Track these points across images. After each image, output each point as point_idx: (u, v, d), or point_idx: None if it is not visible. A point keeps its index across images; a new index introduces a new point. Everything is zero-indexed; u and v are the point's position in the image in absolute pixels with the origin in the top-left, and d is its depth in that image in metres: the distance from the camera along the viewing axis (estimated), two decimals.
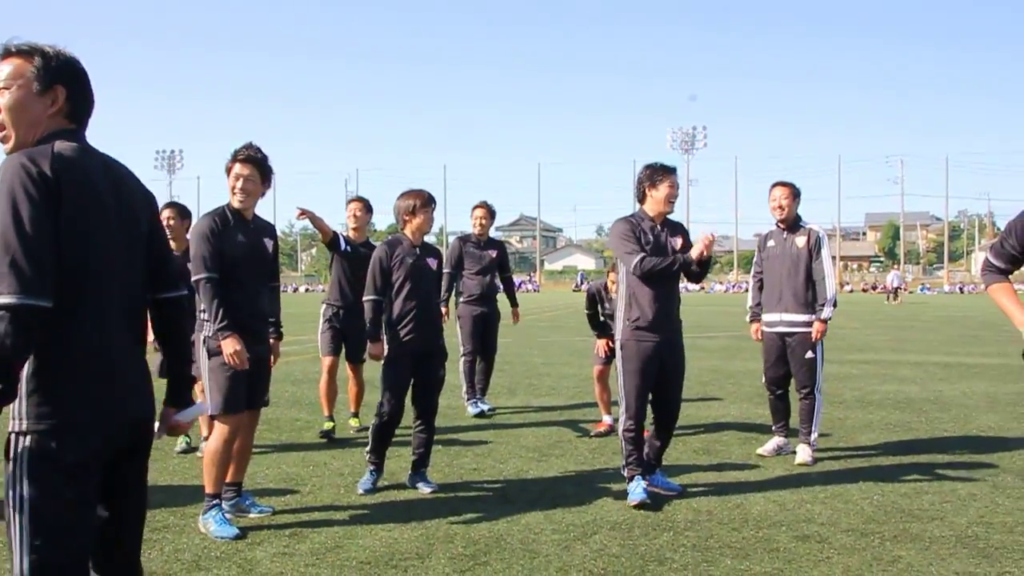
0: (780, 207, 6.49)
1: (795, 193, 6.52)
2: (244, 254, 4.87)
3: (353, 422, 7.72)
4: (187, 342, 2.81)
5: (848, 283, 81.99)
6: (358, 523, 4.88)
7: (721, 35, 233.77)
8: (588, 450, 6.89)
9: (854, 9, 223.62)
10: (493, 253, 8.65)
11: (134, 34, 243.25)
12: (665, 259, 5.35)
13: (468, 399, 8.58)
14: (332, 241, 7.20)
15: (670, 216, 5.65)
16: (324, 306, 7.58)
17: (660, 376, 5.48)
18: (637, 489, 5.28)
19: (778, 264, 6.49)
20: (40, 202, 2.22)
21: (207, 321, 4.76)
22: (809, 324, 6.35)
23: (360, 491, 5.53)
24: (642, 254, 5.36)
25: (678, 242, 5.54)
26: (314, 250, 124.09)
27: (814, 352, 6.39)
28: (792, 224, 6.50)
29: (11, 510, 2.25)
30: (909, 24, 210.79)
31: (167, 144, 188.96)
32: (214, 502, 4.71)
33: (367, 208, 7.54)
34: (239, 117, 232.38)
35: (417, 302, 5.60)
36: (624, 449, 5.45)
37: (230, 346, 4.68)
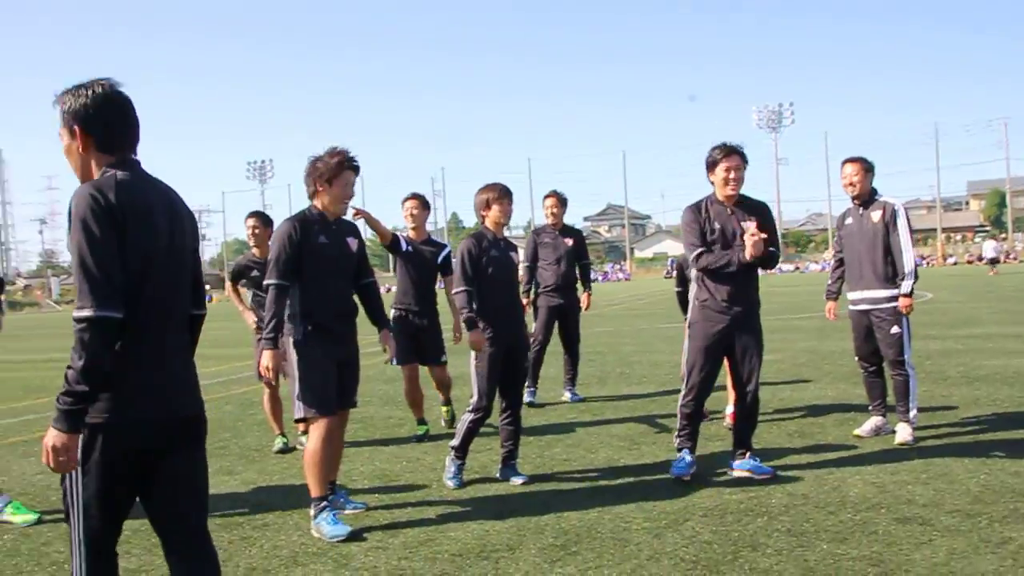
0: (851, 184, 6.36)
1: (867, 168, 6.35)
2: (328, 255, 4.92)
3: (444, 411, 7.73)
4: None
5: (952, 255, 78.94)
6: (450, 517, 4.94)
7: (803, 9, 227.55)
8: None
9: None
10: (569, 241, 8.61)
11: (224, 39, 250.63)
12: (721, 258, 5.41)
13: (528, 388, 8.45)
14: (392, 243, 7.03)
15: (748, 195, 5.59)
16: (393, 310, 7.24)
17: (734, 356, 5.54)
18: (681, 463, 5.49)
19: (856, 241, 6.39)
20: (107, 226, 2.52)
21: (297, 325, 4.82)
22: (892, 299, 6.21)
23: (452, 486, 5.58)
24: (700, 250, 5.46)
25: (751, 225, 5.41)
26: None
27: (900, 327, 6.21)
28: (867, 199, 6.36)
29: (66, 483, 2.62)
30: None
31: (258, 155, 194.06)
32: (322, 504, 4.75)
33: (424, 205, 7.32)
34: (326, 123, 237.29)
35: (503, 295, 5.65)
36: (679, 422, 5.65)
37: (266, 359, 4.90)
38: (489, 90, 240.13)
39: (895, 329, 6.22)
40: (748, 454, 5.56)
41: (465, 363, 5.77)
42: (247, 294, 7.44)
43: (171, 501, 2.74)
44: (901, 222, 6.21)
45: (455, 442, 5.71)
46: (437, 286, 7.38)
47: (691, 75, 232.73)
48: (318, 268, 4.87)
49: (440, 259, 7.20)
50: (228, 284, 7.54)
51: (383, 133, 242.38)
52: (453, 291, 5.81)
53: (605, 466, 5.98)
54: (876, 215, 6.28)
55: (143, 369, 2.62)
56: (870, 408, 6.56)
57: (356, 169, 4.99)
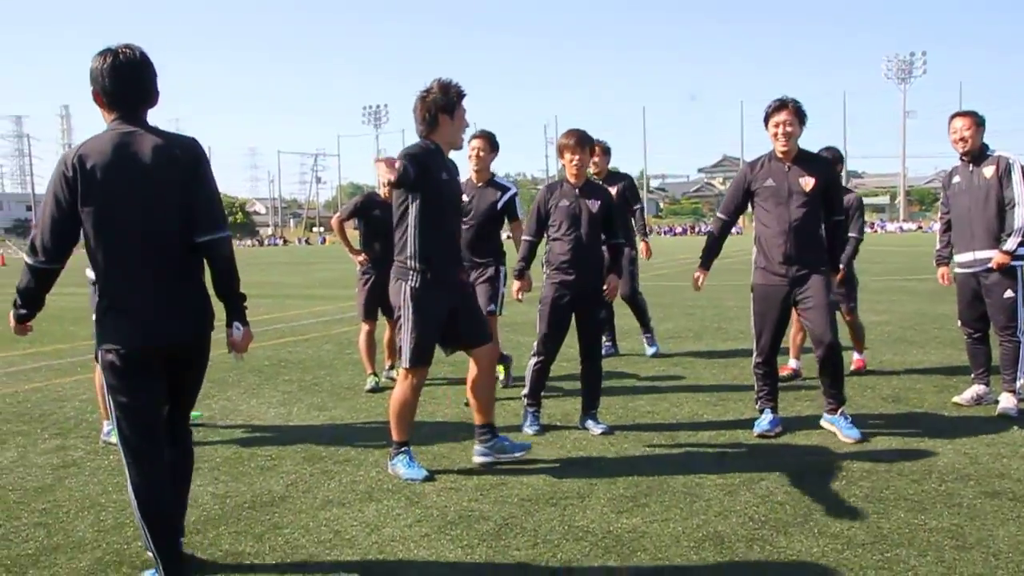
0: (963, 139, 5.96)
1: (978, 122, 5.98)
2: (450, 193, 4.83)
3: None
4: (229, 273, 3.36)
5: None
6: (525, 462, 4.98)
7: None
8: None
9: None
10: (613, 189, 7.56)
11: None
12: (708, 241, 5.82)
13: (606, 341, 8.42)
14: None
15: (809, 151, 5.57)
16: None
17: (801, 314, 5.46)
18: (763, 421, 5.50)
19: (966, 199, 6.02)
20: (60, 189, 3.12)
21: (412, 271, 4.73)
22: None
23: (530, 432, 5.63)
24: (718, 215, 5.86)
25: (809, 182, 5.34)
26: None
27: (1014, 291, 5.85)
28: (978, 156, 5.98)
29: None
30: None
31: (373, 100, 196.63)
32: (401, 449, 4.81)
33: (492, 145, 6.64)
34: (438, 69, 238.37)
35: (573, 243, 5.60)
36: (755, 384, 5.67)
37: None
38: (605, 37, 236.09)
39: (1008, 293, 5.86)
40: (839, 410, 5.44)
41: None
42: (355, 234, 7.56)
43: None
44: (1016, 175, 5.81)
45: (525, 389, 5.81)
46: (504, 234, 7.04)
47: (819, 25, 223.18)
48: (440, 207, 4.74)
49: (501, 204, 6.61)
50: (335, 220, 7.39)
51: (496, 77, 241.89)
52: (522, 238, 5.96)
53: (688, 421, 5.92)
54: (989, 171, 5.90)
55: (115, 306, 3.19)
56: (972, 376, 6.26)
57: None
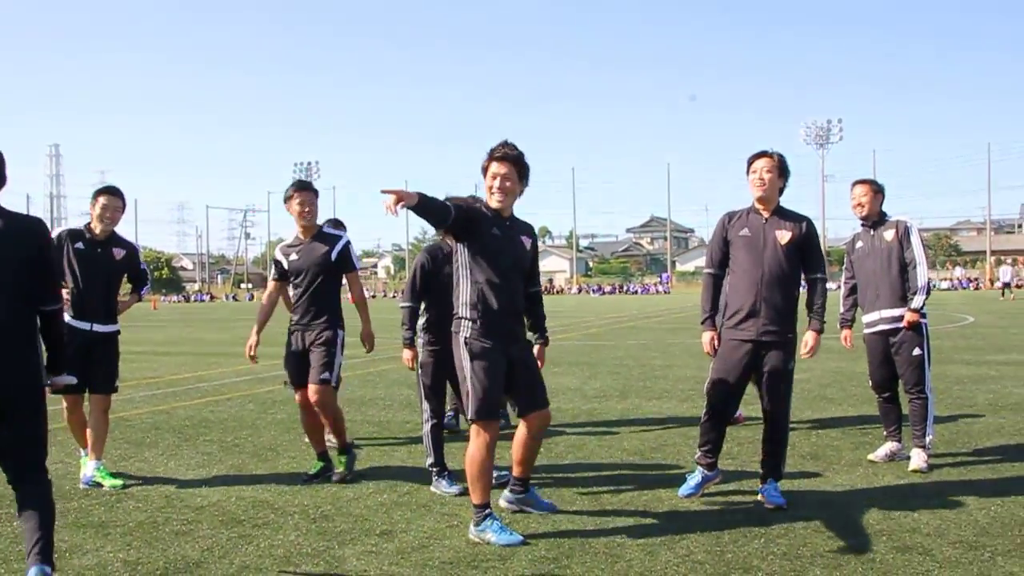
0: (860, 204, 6.30)
1: (876, 189, 6.33)
2: (503, 248, 4.77)
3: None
4: (56, 337, 3.87)
5: (999, 279, 77.16)
6: (447, 524, 4.94)
7: (851, 26, 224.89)
8: (691, 454, 6.74)
9: None
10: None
11: (269, 50, 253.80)
12: (704, 298, 5.52)
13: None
14: None
15: (783, 205, 5.41)
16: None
17: (758, 379, 5.37)
18: (690, 483, 5.48)
19: (869, 262, 6.29)
20: None
21: (466, 320, 4.73)
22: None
23: (453, 492, 5.58)
24: (706, 271, 5.59)
25: (785, 235, 5.25)
26: None
27: (921, 349, 6.10)
28: (877, 221, 6.31)
29: None
30: None
31: (304, 156, 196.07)
32: (485, 512, 4.65)
33: (315, 194, 6.15)
34: (370, 126, 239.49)
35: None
36: (699, 438, 5.58)
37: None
38: (531, 94, 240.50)
39: (916, 351, 6.09)
40: (770, 480, 5.34)
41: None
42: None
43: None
44: (915, 238, 6.16)
45: (431, 458, 5.88)
46: None
47: (737, 88, 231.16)
48: (490, 259, 4.73)
49: (335, 255, 6.06)
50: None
51: (424, 132, 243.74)
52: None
53: (609, 480, 5.95)
54: (889, 234, 6.21)
55: None
56: (885, 434, 6.44)
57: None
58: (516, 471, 5.06)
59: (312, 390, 5.84)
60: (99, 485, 5.91)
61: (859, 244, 6.43)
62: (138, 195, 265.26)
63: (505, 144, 4.79)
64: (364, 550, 4.49)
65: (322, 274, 5.95)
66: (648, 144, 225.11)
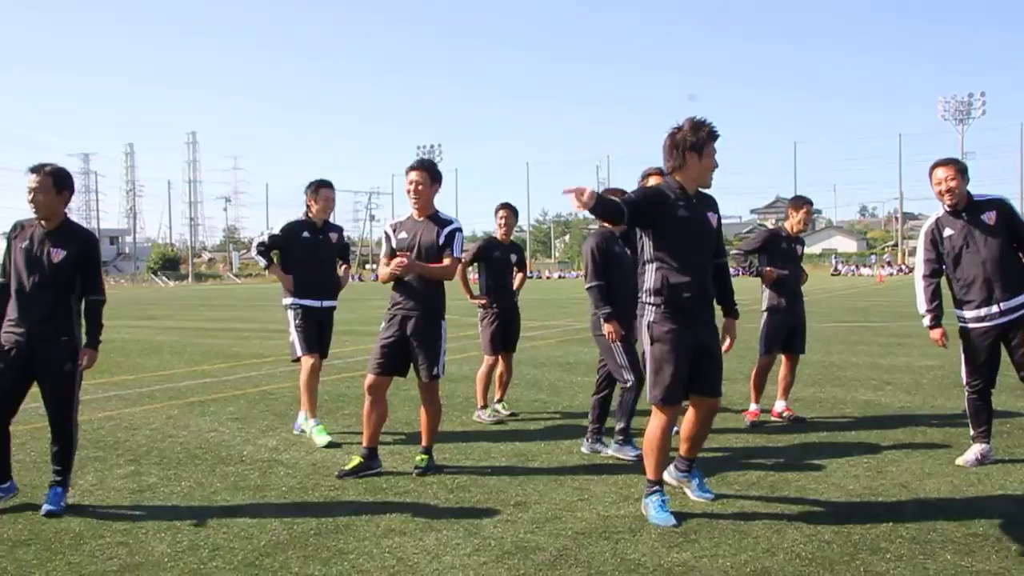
0: (949, 191, 5.67)
1: (961, 170, 5.71)
2: (689, 229, 4.76)
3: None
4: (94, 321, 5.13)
5: None
6: (578, 496, 5.15)
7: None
8: (818, 437, 6.75)
9: None
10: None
11: (403, 30, 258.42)
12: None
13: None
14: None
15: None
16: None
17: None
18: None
19: (970, 252, 5.68)
20: None
21: (649, 305, 4.77)
22: None
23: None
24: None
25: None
26: (567, 237, 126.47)
27: None
28: (968, 204, 5.72)
29: None
30: None
31: (426, 139, 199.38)
32: (655, 488, 4.79)
33: (433, 177, 5.90)
34: (496, 116, 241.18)
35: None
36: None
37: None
38: (655, 73, 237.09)
39: None
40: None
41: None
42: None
43: None
44: (1021, 215, 5.73)
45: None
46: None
47: (874, 64, 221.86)
48: (677, 241, 4.73)
49: (443, 238, 5.89)
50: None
51: (548, 122, 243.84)
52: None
53: (740, 458, 6.04)
54: (989, 216, 5.65)
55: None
56: (974, 435, 5.93)
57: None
58: (682, 448, 5.10)
59: (422, 387, 5.83)
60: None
61: (948, 232, 5.78)
62: (269, 179, 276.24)
63: (707, 122, 4.73)
64: (501, 518, 4.75)
65: (428, 256, 5.77)
66: (776, 126, 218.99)
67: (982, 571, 3.90)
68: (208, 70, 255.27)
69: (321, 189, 7.06)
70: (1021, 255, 5.73)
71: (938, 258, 5.89)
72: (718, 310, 5.01)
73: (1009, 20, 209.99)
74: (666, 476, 5.09)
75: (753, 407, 7.46)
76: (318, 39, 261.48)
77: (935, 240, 5.88)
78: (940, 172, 5.75)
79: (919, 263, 5.98)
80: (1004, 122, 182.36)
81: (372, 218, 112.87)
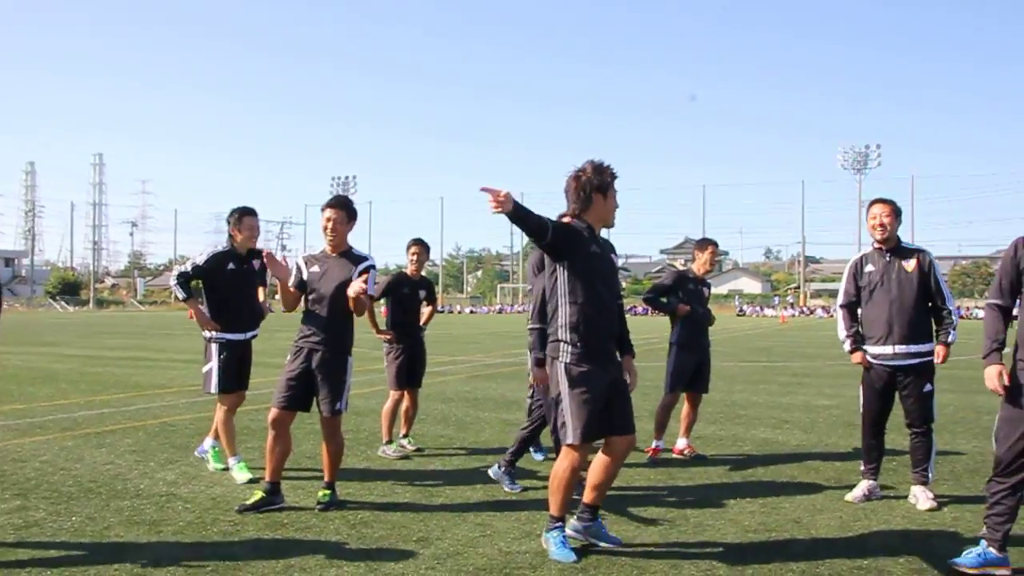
0: (882, 225, 5.95)
1: (896, 211, 6.01)
2: (601, 268, 4.84)
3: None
4: None
5: None
6: (481, 532, 5.17)
7: (893, 50, 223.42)
8: (718, 475, 6.93)
9: None
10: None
11: (317, 61, 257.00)
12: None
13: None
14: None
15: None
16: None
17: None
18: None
19: (883, 291, 5.94)
20: None
21: (565, 343, 4.74)
22: (928, 354, 5.93)
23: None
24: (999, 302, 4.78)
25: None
26: (480, 272, 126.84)
27: (931, 384, 5.98)
28: (895, 246, 6.02)
29: None
30: None
31: (343, 170, 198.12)
32: (556, 524, 4.80)
33: (349, 215, 5.96)
34: (409, 146, 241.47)
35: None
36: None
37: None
38: (570, 110, 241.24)
39: (928, 386, 5.95)
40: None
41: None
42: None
43: None
44: (939, 270, 6.00)
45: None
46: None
47: (778, 109, 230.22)
48: (590, 279, 4.77)
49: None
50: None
51: (467, 150, 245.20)
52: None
53: (640, 495, 6.14)
54: (910, 263, 5.93)
55: None
56: (863, 470, 6.21)
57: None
58: (588, 497, 4.96)
59: (324, 422, 5.79)
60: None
61: (869, 268, 6.07)
62: (177, 204, 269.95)
63: (607, 165, 4.87)
64: (403, 554, 4.73)
65: (340, 293, 5.76)
66: (683, 167, 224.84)
67: None
68: (118, 91, 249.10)
69: (245, 218, 6.80)
70: (932, 312, 5.98)
71: (857, 291, 6.16)
72: None
73: (903, 78, 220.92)
74: (570, 532, 4.92)
75: (655, 443, 7.60)
76: (231, 65, 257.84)
77: (856, 274, 6.16)
78: (877, 208, 6.03)
79: (840, 293, 6.28)
80: (898, 172, 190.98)
81: (284, 247, 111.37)
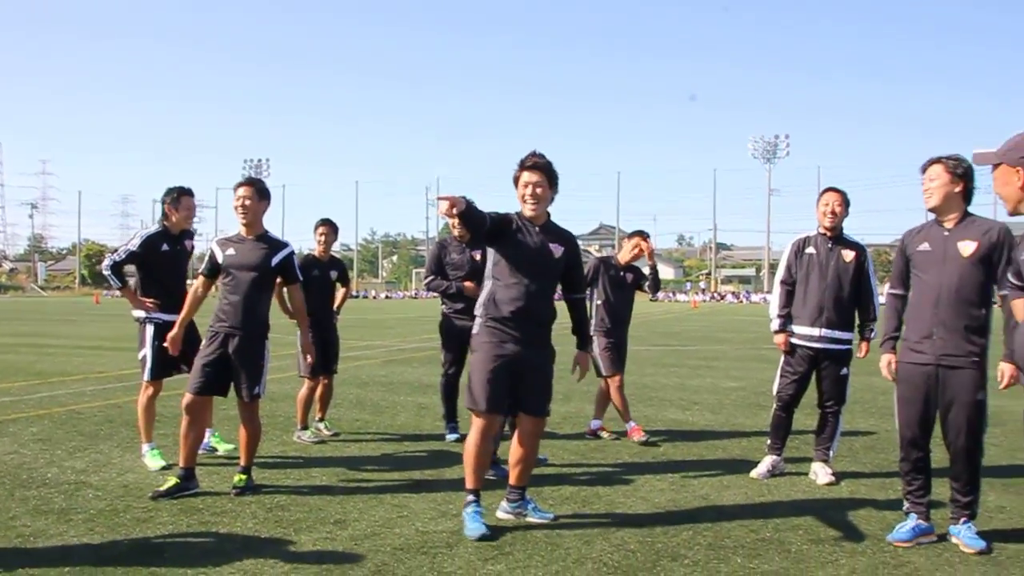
0: (833, 212, 6.12)
1: (846, 202, 6.19)
2: (525, 254, 5.00)
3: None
4: None
5: None
6: (398, 513, 5.24)
7: (803, 39, 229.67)
8: (629, 454, 7.13)
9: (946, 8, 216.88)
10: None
11: (225, 48, 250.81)
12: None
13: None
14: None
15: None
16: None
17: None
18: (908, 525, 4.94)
19: (818, 275, 6.14)
20: None
21: (478, 317, 5.06)
22: (850, 342, 6.22)
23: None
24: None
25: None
26: (395, 257, 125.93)
27: (848, 368, 6.27)
28: (838, 235, 6.23)
29: None
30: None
31: (255, 153, 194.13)
32: (470, 498, 4.94)
33: (260, 194, 5.94)
34: (326, 135, 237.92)
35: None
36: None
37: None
38: (487, 94, 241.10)
39: (844, 370, 6.23)
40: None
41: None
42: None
43: None
44: (871, 266, 6.25)
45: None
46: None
47: (691, 97, 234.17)
48: (515, 263, 5.00)
49: (276, 261, 5.97)
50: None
51: (381, 135, 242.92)
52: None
53: (554, 476, 6.29)
54: (849, 255, 6.16)
55: None
56: (769, 446, 6.45)
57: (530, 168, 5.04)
58: (511, 477, 5.18)
59: (242, 406, 5.79)
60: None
61: (810, 250, 6.22)
62: (81, 185, 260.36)
63: (534, 154, 5.04)
64: (320, 537, 4.77)
65: (257, 277, 5.79)
66: (600, 151, 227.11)
67: (767, 572, 4.29)
68: (15, 66, 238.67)
69: (183, 197, 6.74)
70: (859, 305, 6.22)
71: (795, 270, 6.32)
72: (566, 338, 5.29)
73: (813, 68, 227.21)
74: (500, 515, 5.13)
75: (629, 425, 7.73)
76: (140, 40, 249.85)
77: (798, 252, 6.31)
78: (829, 196, 6.23)
79: (781, 268, 6.42)
80: (806, 162, 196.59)
81: (195, 232, 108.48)
